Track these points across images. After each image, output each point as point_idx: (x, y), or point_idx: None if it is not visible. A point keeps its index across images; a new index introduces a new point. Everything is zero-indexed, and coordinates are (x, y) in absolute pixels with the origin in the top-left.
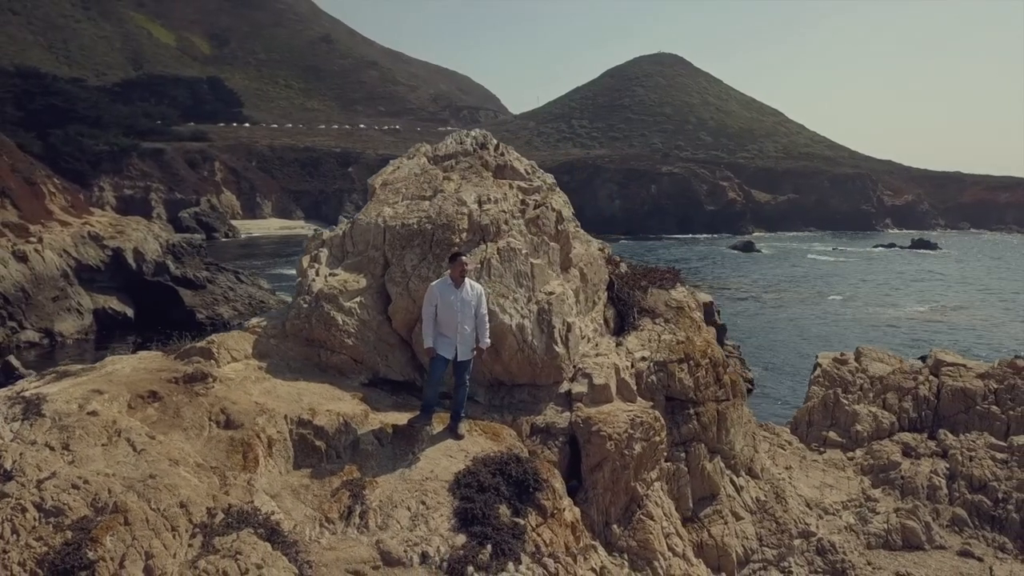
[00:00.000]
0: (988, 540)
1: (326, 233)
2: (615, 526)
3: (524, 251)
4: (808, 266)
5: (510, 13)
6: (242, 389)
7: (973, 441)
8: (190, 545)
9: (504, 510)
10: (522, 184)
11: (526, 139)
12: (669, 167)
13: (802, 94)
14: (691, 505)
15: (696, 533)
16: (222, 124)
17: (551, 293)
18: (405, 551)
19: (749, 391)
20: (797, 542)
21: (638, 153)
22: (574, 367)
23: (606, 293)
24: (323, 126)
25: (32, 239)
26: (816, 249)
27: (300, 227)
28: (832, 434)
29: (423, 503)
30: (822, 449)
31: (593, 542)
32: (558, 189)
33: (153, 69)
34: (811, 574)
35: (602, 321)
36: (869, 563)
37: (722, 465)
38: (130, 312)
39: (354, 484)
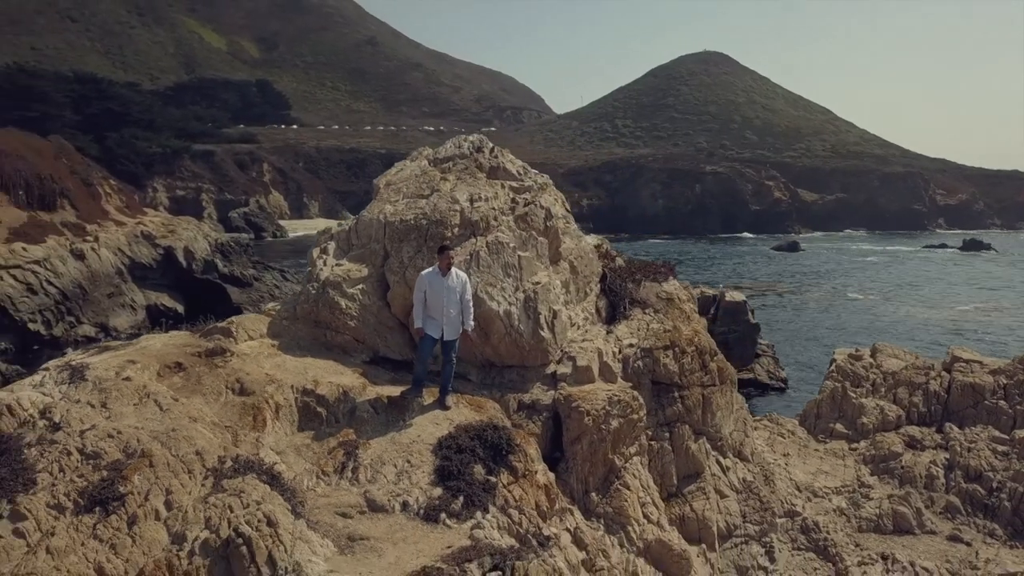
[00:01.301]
0: (979, 527)
1: (334, 228)
2: (593, 494)
3: (512, 244)
4: (852, 266)
5: (554, 13)
6: (256, 363)
7: (977, 434)
8: (203, 485)
9: (479, 469)
10: (513, 184)
11: (569, 139)
12: (713, 166)
13: (853, 93)
14: (675, 482)
15: (679, 507)
16: (270, 126)
17: (537, 283)
18: (388, 500)
19: (782, 390)
20: (781, 520)
21: (682, 152)
22: (561, 351)
23: (599, 285)
24: (368, 127)
25: (89, 238)
26: (862, 249)
27: None
28: (839, 426)
29: (408, 462)
30: (826, 440)
31: (571, 506)
32: (551, 188)
33: (204, 73)
34: (794, 550)
35: (594, 310)
36: (858, 545)
37: (708, 446)
38: (180, 308)
39: (349, 444)
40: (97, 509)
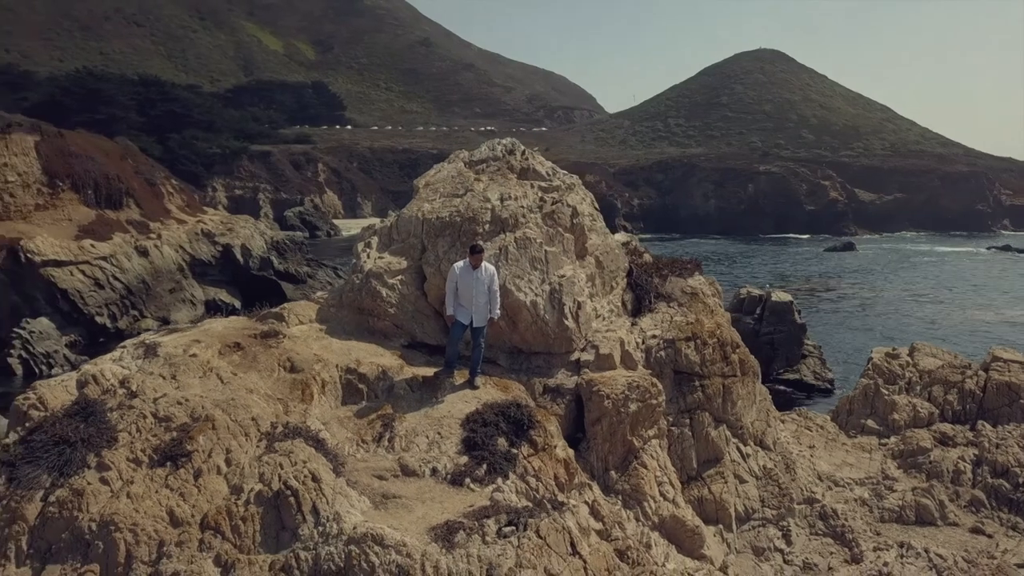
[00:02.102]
0: (1002, 520)
1: (377, 224)
2: (613, 472)
3: (539, 240)
4: (907, 268)
5: (607, 12)
6: (305, 344)
7: (1009, 432)
8: (257, 446)
9: (502, 441)
10: (542, 184)
11: (621, 138)
12: (767, 166)
13: (915, 89)
14: (695, 466)
15: (697, 489)
16: (325, 127)
17: (563, 276)
18: (419, 466)
19: (829, 391)
20: (800, 506)
21: (735, 152)
22: (585, 340)
23: (625, 279)
24: (421, 128)
25: (152, 235)
26: (920, 251)
27: None
28: (870, 422)
29: (439, 433)
30: (856, 435)
31: (590, 482)
32: (578, 188)
33: (262, 75)
34: (811, 535)
35: (619, 303)
36: (877, 533)
37: (728, 434)
38: (237, 303)
39: (387, 417)
40: (168, 463)
